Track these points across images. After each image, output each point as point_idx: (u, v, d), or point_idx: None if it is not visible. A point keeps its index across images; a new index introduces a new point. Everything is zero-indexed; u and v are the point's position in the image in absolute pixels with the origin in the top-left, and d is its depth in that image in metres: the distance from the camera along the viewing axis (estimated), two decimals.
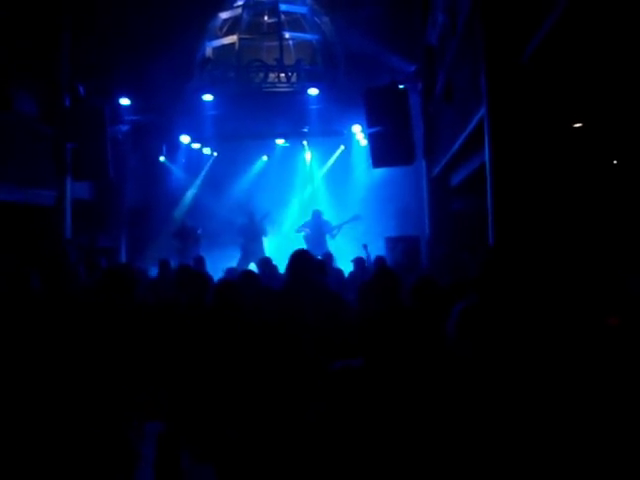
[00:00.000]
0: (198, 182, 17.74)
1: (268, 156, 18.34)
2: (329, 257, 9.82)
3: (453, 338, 3.13)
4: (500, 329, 3.11)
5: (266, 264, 10.20)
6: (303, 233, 15.67)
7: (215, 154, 17.99)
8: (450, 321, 3.18)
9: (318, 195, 17.71)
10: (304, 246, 15.02)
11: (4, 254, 10.87)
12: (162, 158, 17.03)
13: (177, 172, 17.47)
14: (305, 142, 17.74)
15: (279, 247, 15.68)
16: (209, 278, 6.66)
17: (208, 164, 17.99)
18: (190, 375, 4.82)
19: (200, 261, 10.44)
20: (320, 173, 18.20)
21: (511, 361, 3.05)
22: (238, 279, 6.72)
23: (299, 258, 5.57)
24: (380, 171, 14.19)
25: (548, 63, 6.11)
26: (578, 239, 6.90)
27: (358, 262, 10.68)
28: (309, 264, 5.54)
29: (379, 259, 10.09)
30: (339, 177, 17.58)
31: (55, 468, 4.13)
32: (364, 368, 2.78)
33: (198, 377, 4.78)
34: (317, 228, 15.52)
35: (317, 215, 15.74)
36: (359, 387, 2.70)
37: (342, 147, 17.62)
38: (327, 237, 15.55)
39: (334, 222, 15.80)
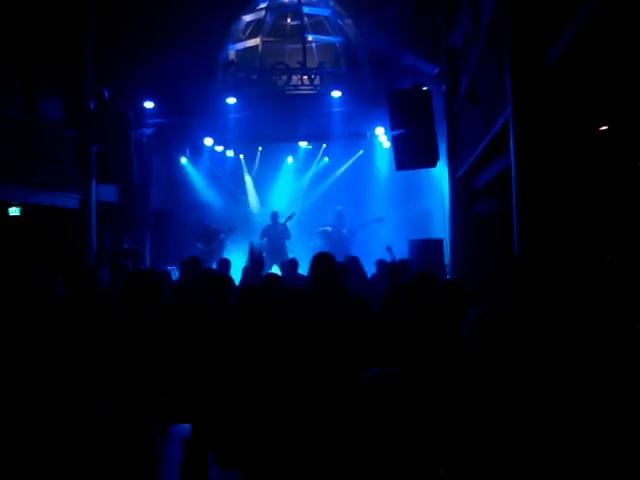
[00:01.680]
0: (221, 184, 17.79)
1: (293, 158, 18.40)
2: (354, 261, 9.79)
3: (469, 340, 3.11)
4: (520, 334, 3.09)
5: (291, 266, 10.23)
6: (322, 233, 15.74)
7: (242, 157, 18.07)
8: (466, 323, 3.16)
9: (340, 197, 17.66)
10: (325, 247, 15.10)
11: (30, 257, 10.99)
12: (184, 160, 17.11)
13: (199, 175, 17.57)
14: (324, 145, 17.74)
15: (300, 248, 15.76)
16: (232, 281, 6.67)
17: (231, 166, 18.08)
18: (216, 378, 4.83)
19: (225, 264, 10.45)
20: (337, 174, 18.17)
21: (533, 366, 3.03)
22: (262, 282, 6.73)
23: (321, 262, 5.56)
24: (403, 173, 14.14)
25: (573, 66, 6.06)
26: (604, 242, 6.84)
27: (380, 264, 10.64)
28: (332, 267, 5.53)
29: (404, 263, 10.03)
30: (362, 179, 17.57)
31: (80, 468, 4.16)
32: (400, 377, 2.77)
33: (224, 380, 4.79)
34: (339, 227, 15.59)
35: (339, 214, 15.80)
36: (396, 396, 2.69)
37: (361, 152, 17.58)
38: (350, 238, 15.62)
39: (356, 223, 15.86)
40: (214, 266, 11.21)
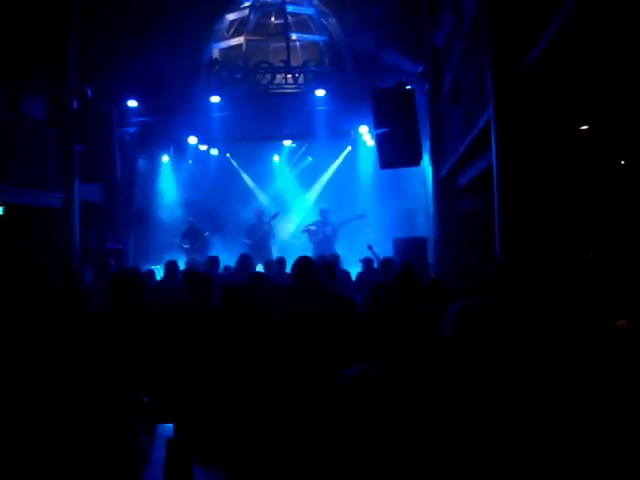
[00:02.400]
0: (206, 183, 17.75)
1: (278, 157, 18.44)
2: (336, 259, 9.82)
3: (449, 336, 3.14)
4: (500, 331, 3.12)
5: (280, 264, 10.26)
6: (306, 234, 15.75)
7: (228, 155, 18.06)
8: (446, 321, 3.19)
9: (325, 195, 17.69)
10: (310, 245, 15.12)
11: (14, 256, 10.94)
12: (165, 159, 17.01)
13: (183, 173, 17.54)
14: (306, 144, 17.79)
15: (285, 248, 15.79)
16: (215, 280, 6.67)
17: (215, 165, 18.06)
18: (199, 378, 4.83)
19: (213, 262, 10.44)
20: (327, 174, 18.21)
21: (512, 362, 3.06)
22: (246, 281, 6.73)
23: (302, 265, 5.59)
24: (387, 172, 14.16)
25: (555, 65, 6.10)
26: (584, 240, 6.90)
27: (366, 262, 10.69)
28: (313, 270, 5.56)
29: (387, 261, 10.08)
30: (346, 178, 17.60)
31: (63, 469, 4.15)
32: (381, 376, 2.79)
33: (207, 380, 4.79)
34: (323, 226, 15.59)
35: (323, 213, 15.79)
36: (376, 395, 2.71)
37: (349, 148, 17.65)
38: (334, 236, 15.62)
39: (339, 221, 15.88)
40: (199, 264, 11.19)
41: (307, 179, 18.35)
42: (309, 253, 13.25)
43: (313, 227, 15.69)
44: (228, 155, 18.10)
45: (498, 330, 3.09)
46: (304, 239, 16.17)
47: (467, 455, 2.77)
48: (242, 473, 4.31)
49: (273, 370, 4.53)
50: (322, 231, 15.54)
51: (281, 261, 10.43)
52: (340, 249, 14.34)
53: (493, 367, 3.01)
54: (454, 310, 3.16)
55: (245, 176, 18.44)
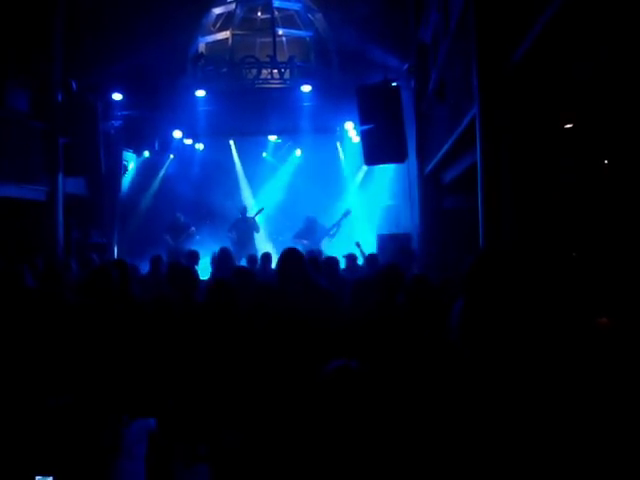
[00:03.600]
0: (190, 178, 17.67)
1: (265, 152, 18.40)
2: (319, 254, 9.84)
3: (457, 333, 3.16)
4: (485, 328, 3.14)
5: (265, 260, 10.27)
6: (300, 245, 15.63)
7: (201, 147, 17.96)
8: (453, 317, 3.21)
9: (310, 191, 17.66)
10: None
11: None
12: (146, 153, 16.93)
13: (168, 168, 17.48)
14: (289, 142, 17.80)
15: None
16: (197, 274, 6.66)
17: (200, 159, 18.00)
18: (183, 372, 4.83)
19: (192, 256, 10.44)
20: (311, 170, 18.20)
21: (500, 359, 3.08)
22: (231, 276, 6.73)
23: (289, 257, 5.59)
24: (372, 168, 14.18)
25: (540, 63, 6.13)
26: (568, 238, 6.94)
27: (350, 258, 10.71)
28: (300, 262, 5.56)
29: (371, 257, 10.11)
30: (331, 174, 17.60)
31: (45, 461, 4.14)
32: (361, 369, 2.80)
33: (190, 374, 4.80)
34: (312, 235, 15.46)
35: (311, 222, 15.66)
36: (357, 389, 2.72)
37: (338, 144, 17.65)
38: (325, 240, 15.51)
39: (328, 224, 15.79)
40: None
41: (293, 175, 18.28)
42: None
43: (305, 241, 15.52)
44: (232, 142, 18.02)
45: (485, 327, 3.12)
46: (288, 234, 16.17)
47: (451, 448, 2.79)
48: (225, 467, 4.33)
49: (257, 364, 4.54)
50: (312, 239, 15.36)
51: (266, 257, 10.43)
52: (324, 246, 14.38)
53: (479, 361, 3.04)
54: (458, 309, 3.19)
55: (239, 169, 18.36)
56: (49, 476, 4.15)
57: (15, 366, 4.82)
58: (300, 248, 13.81)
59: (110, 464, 4.46)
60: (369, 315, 5.08)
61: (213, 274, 9.60)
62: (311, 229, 15.55)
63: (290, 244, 15.51)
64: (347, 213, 15.65)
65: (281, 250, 5.75)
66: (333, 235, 15.53)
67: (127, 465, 4.49)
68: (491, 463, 2.77)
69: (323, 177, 17.61)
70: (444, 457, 2.79)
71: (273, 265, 10.20)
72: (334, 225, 15.61)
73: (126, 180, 16.32)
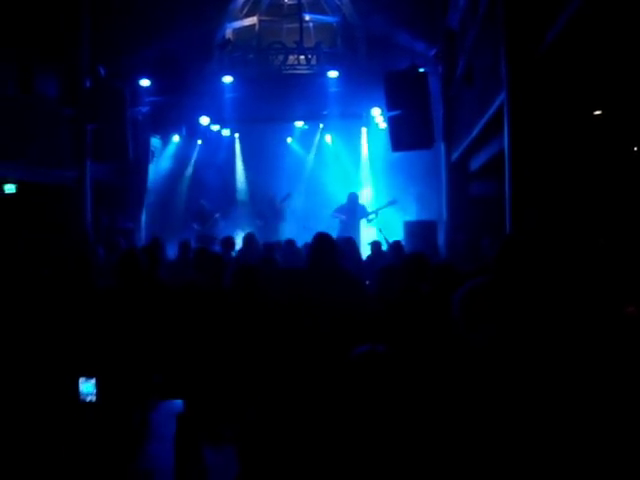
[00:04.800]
0: (218, 163, 17.72)
1: (291, 138, 18.37)
2: (351, 242, 9.85)
3: (458, 318, 3.16)
4: (509, 312, 3.13)
5: (289, 246, 10.29)
6: (338, 219, 15.65)
7: (236, 135, 18.03)
8: (455, 303, 3.20)
9: (335, 178, 17.63)
10: (338, 230, 15.07)
11: (26, 233, 11.00)
12: (176, 139, 17.02)
13: (195, 153, 17.54)
14: (321, 125, 17.73)
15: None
16: (225, 260, 6.70)
17: (227, 146, 18.04)
18: (210, 356, 4.87)
19: (228, 242, 10.51)
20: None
21: (521, 345, 3.07)
22: (258, 263, 6.77)
23: (321, 242, 5.60)
24: (399, 154, 14.12)
25: (569, 50, 6.07)
26: (595, 226, 6.88)
27: (375, 245, 10.71)
28: (331, 248, 5.57)
29: (396, 244, 10.10)
30: (358, 160, 17.57)
31: (72, 446, 4.21)
32: (388, 354, 2.82)
33: (217, 358, 4.83)
34: (352, 213, 15.46)
35: (353, 199, 15.66)
36: (384, 372, 2.73)
37: (364, 130, 17.57)
38: (362, 222, 15.52)
39: (370, 207, 15.77)
40: (214, 245, 11.27)
41: (320, 161, 18.24)
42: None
43: (342, 215, 15.54)
44: (236, 135, 18.05)
45: (504, 310, 3.11)
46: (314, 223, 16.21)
47: (474, 434, 2.79)
48: (252, 449, 4.36)
49: (283, 349, 4.57)
50: (351, 216, 15.38)
51: (290, 243, 10.46)
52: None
53: (500, 349, 3.03)
54: (461, 292, 3.18)
55: (239, 160, 18.36)
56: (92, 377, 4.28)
57: (43, 350, 4.89)
58: (337, 223, 13.91)
59: (138, 446, 4.52)
60: (394, 302, 5.08)
61: (238, 260, 9.65)
62: (351, 207, 15.54)
63: (330, 218, 15.71)
64: (392, 202, 15.55)
65: (308, 236, 5.76)
66: (371, 220, 15.50)
67: (155, 447, 4.55)
68: (515, 454, 2.77)
69: (349, 163, 17.59)
70: (468, 442, 2.80)
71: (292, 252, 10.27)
72: (374, 211, 15.56)
73: (153, 166, 16.39)
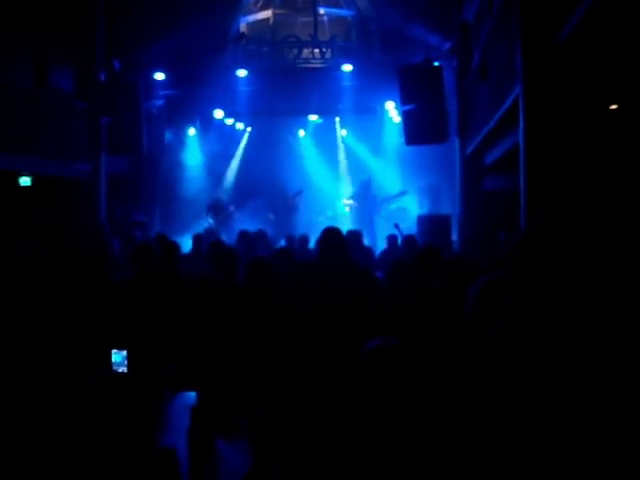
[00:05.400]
0: (232, 157, 17.75)
1: (304, 132, 18.37)
2: (358, 235, 9.87)
3: (471, 313, 3.15)
4: (523, 307, 3.12)
5: (302, 241, 10.31)
6: (347, 207, 15.72)
7: (249, 129, 18.05)
8: (468, 297, 3.20)
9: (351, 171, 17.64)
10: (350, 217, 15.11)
11: (41, 227, 11.08)
12: (192, 132, 17.06)
13: (209, 147, 17.57)
14: (337, 118, 17.71)
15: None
16: (240, 254, 6.71)
17: (242, 139, 18.06)
18: (223, 349, 4.89)
19: (261, 236, 10.51)
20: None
21: (535, 340, 3.06)
22: (272, 256, 6.78)
23: (330, 235, 5.60)
24: (413, 148, 14.10)
25: (585, 43, 6.03)
26: (611, 221, 6.84)
27: (390, 239, 10.71)
28: (340, 242, 5.57)
29: (409, 238, 10.09)
30: (372, 154, 17.56)
31: (84, 437, 4.23)
32: (401, 346, 2.82)
33: (231, 351, 4.85)
34: (364, 199, 15.49)
35: (365, 185, 15.69)
36: (397, 365, 2.74)
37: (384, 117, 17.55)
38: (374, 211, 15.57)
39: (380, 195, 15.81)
40: (225, 238, 11.28)
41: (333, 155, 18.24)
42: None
43: (353, 203, 15.60)
44: (248, 129, 18.07)
45: (517, 306, 3.10)
46: (327, 217, 16.26)
47: (486, 429, 2.80)
48: (265, 442, 4.38)
49: (296, 342, 4.58)
50: (362, 206, 15.45)
51: (304, 238, 10.47)
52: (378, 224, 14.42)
53: (514, 344, 3.02)
54: (475, 287, 3.17)
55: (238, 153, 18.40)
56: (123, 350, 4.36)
57: (60, 343, 4.93)
58: (348, 208, 13.89)
59: (153, 438, 4.54)
60: (406, 296, 5.08)
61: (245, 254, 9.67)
62: (363, 193, 15.56)
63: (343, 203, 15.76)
64: (402, 193, 15.57)
65: (320, 230, 5.75)
66: (383, 210, 15.53)
67: (169, 439, 4.57)
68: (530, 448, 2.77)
69: (363, 157, 17.60)
70: (480, 436, 2.80)
71: (310, 246, 10.28)
72: (386, 199, 15.58)
73: (167, 159, 16.43)
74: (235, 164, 17.76)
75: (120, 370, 4.37)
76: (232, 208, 15.93)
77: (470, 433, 2.78)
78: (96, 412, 2.90)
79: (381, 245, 11.18)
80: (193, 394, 5.18)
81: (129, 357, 4.45)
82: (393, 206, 15.71)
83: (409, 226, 12.82)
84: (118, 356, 4.39)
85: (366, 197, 15.51)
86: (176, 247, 6.31)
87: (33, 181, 12.46)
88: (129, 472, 3.11)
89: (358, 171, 17.29)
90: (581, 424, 2.82)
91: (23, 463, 3.47)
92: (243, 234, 10.40)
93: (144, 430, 3.95)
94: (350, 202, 15.73)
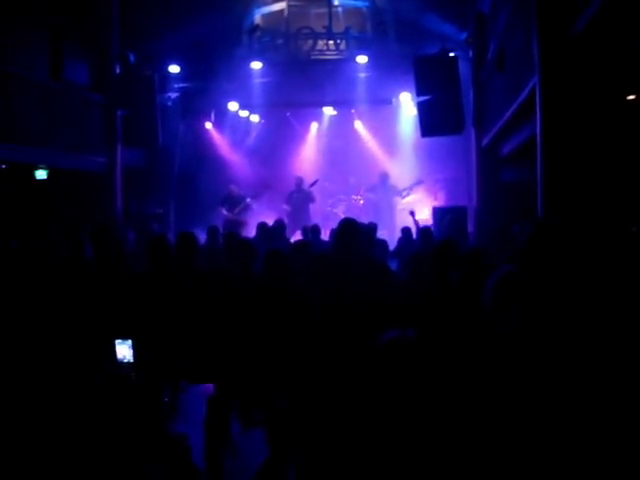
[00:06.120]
0: (246, 149, 17.73)
1: (318, 124, 18.30)
2: (373, 228, 9.84)
3: (489, 305, 3.14)
4: (538, 298, 3.10)
5: (314, 232, 10.29)
6: (362, 200, 15.73)
7: (262, 121, 18.03)
8: (486, 290, 3.18)
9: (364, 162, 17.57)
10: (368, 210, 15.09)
11: (57, 219, 11.14)
12: (209, 125, 17.09)
13: (224, 139, 17.56)
14: (353, 110, 17.66)
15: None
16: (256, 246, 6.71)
17: (256, 131, 18.04)
18: (240, 340, 4.90)
19: (316, 230, 10.50)
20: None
21: (550, 331, 3.04)
22: (291, 249, 6.77)
23: (347, 227, 5.58)
24: (429, 140, 14.03)
25: (602, 33, 5.98)
26: (628, 213, 6.79)
27: (405, 231, 10.67)
28: (357, 234, 5.55)
29: (425, 230, 10.05)
30: (388, 145, 17.49)
31: (103, 427, 4.25)
32: (418, 338, 2.81)
33: (248, 342, 4.86)
34: (383, 192, 15.48)
35: (383, 178, 15.69)
36: (414, 357, 2.73)
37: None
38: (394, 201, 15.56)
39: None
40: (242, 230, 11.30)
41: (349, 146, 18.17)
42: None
43: (372, 194, 15.62)
44: (262, 121, 18.05)
45: (538, 297, 3.08)
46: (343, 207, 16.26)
47: (502, 422, 2.79)
48: (281, 433, 4.39)
49: (313, 333, 4.58)
50: (381, 195, 15.46)
51: (315, 229, 10.45)
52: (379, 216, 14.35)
53: (530, 337, 3.01)
54: (492, 281, 3.16)
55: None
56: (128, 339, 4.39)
57: (73, 335, 4.96)
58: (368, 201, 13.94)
59: (169, 429, 4.56)
60: (424, 290, 5.06)
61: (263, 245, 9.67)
62: (382, 185, 15.56)
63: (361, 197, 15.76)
64: (419, 182, 15.53)
65: (337, 222, 5.74)
66: (404, 197, 15.52)
67: (186, 429, 4.59)
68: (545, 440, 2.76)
69: (378, 148, 17.54)
70: (496, 429, 2.79)
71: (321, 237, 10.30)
72: (406, 188, 15.55)
73: (182, 151, 16.46)
74: (250, 156, 17.71)
75: (126, 360, 4.40)
76: (249, 200, 15.87)
77: (483, 425, 2.78)
78: (106, 401, 2.93)
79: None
80: (209, 385, 5.19)
81: (138, 347, 4.48)
82: (409, 198, 15.67)
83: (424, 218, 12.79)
84: (124, 346, 4.43)
85: (385, 189, 15.48)
86: (195, 240, 6.29)
87: (49, 174, 12.53)
88: (141, 457, 3.14)
89: (373, 163, 17.22)
90: (589, 419, 2.80)
91: (36, 451, 3.50)
92: (262, 226, 10.40)
93: (156, 417, 3.97)
94: (370, 195, 15.71)
